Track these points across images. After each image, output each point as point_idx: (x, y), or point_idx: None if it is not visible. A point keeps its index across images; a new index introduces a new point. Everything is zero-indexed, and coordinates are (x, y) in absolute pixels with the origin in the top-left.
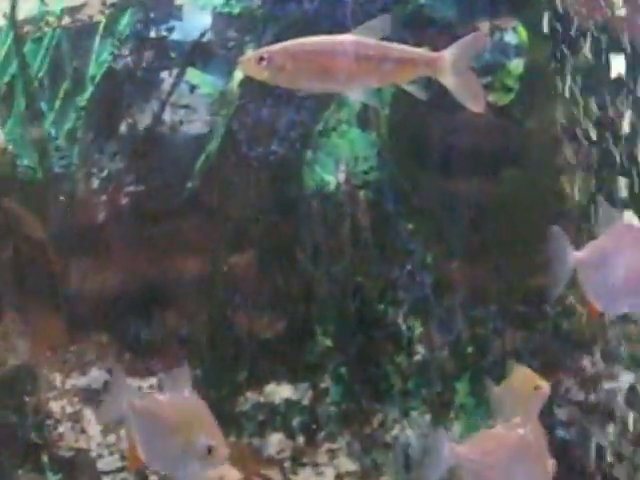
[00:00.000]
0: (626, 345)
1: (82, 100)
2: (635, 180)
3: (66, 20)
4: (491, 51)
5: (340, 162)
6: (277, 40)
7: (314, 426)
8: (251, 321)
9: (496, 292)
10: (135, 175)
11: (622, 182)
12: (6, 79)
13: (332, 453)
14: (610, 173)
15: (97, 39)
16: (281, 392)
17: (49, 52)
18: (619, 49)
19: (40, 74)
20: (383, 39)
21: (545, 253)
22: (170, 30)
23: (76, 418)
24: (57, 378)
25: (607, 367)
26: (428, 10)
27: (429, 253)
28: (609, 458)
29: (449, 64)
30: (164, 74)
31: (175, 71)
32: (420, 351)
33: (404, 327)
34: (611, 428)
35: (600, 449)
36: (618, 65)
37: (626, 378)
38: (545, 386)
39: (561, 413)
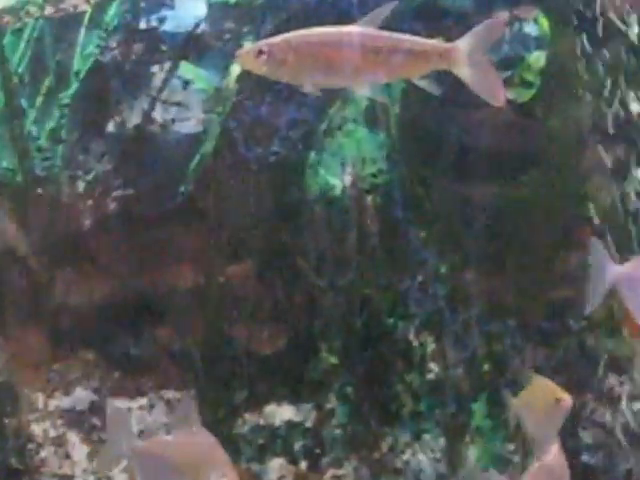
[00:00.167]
0: None
1: (66, 97)
2: None
3: (49, 10)
4: (510, 43)
5: (346, 164)
6: (277, 31)
7: (318, 450)
8: (250, 336)
9: (515, 305)
10: (124, 178)
11: None
12: None
13: None
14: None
15: (82, 30)
16: (282, 413)
17: (30, 45)
18: None
19: (20, 69)
20: (393, 29)
21: (569, 263)
22: (161, 20)
23: (60, 442)
24: (39, 398)
25: (636, 386)
26: None
27: (443, 263)
28: None
29: (464, 55)
30: (155, 68)
31: (167, 65)
32: (433, 369)
33: (416, 343)
34: None
35: (629, 475)
36: None
37: None
38: (567, 399)
39: (586, 436)
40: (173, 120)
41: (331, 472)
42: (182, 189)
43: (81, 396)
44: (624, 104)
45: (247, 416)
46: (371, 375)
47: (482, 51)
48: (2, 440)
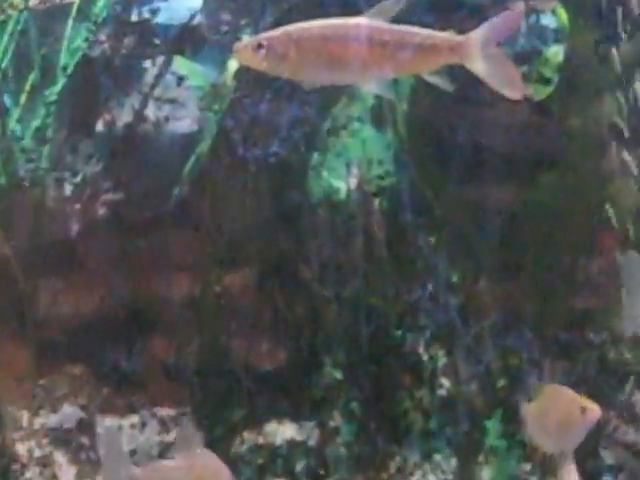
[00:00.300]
0: None
1: (52, 94)
2: None
3: (33, 1)
4: (526, 36)
5: (351, 165)
6: (278, 24)
7: (322, 471)
8: (249, 349)
9: (532, 316)
10: (114, 180)
11: None
12: None
13: None
14: None
15: (70, 23)
16: (283, 432)
17: (14, 38)
18: None
19: (3, 64)
20: (402, 22)
21: (589, 270)
22: (154, 12)
23: (45, 462)
24: (24, 416)
25: None
26: None
27: (455, 271)
28: None
29: (477, 48)
30: (147, 63)
31: (160, 60)
32: (444, 384)
33: (426, 357)
34: None
35: None
36: None
37: None
38: (594, 409)
39: (608, 456)
40: (167, 118)
41: None
42: (176, 192)
43: (68, 413)
44: None
45: (246, 435)
46: (378, 391)
47: (496, 43)
48: None
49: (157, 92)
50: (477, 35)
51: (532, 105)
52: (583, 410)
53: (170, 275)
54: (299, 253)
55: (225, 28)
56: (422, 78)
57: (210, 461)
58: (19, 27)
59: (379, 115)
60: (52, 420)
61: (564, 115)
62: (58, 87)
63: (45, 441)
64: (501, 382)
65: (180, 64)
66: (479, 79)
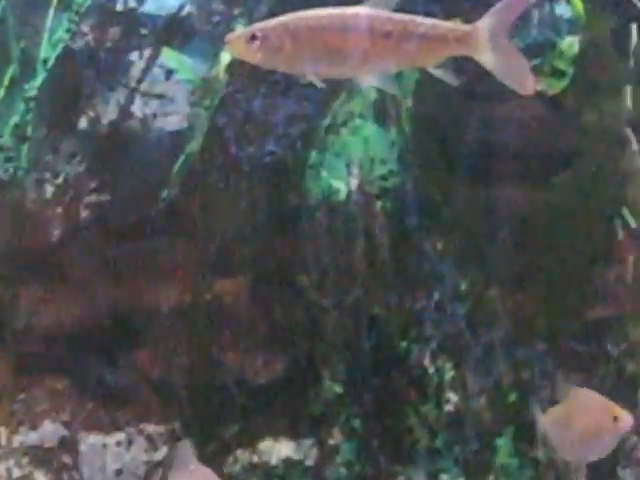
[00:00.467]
0: None
1: (32, 88)
2: None
3: None
4: (539, 27)
5: (352, 165)
6: (273, 14)
7: None
8: (242, 362)
9: (546, 326)
10: (98, 181)
11: None
12: None
13: None
14: None
15: (51, 13)
16: (279, 450)
17: None
18: None
19: None
20: (405, 11)
21: (607, 278)
22: (141, 1)
23: None
24: (2, 433)
25: None
26: None
27: (463, 278)
28: None
29: (485, 38)
30: (133, 56)
31: (147, 52)
32: (452, 399)
33: (432, 370)
34: None
35: None
36: None
37: None
38: (627, 418)
39: (627, 475)
40: (154, 115)
41: None
42: (165, 194)
43: (49, 431)
44: None
45: (239, 453)
46: (381, 406)
47: (505, 32)
48: None
49: (144, 87)
50: (485, 24)
51: (545, 100)
52: (615, 418)
53: (158, 283)
54: (296, 259)
55: (217, 18)
56: (427, 71)
57: (207, 478)
58: None
59: (382, 111)
60: (32, 438)
61: (579, 111)
62: (38, 81)
63: (25, 460)
64: (512, 397)
65: (169, 57)
66: (488, 72)
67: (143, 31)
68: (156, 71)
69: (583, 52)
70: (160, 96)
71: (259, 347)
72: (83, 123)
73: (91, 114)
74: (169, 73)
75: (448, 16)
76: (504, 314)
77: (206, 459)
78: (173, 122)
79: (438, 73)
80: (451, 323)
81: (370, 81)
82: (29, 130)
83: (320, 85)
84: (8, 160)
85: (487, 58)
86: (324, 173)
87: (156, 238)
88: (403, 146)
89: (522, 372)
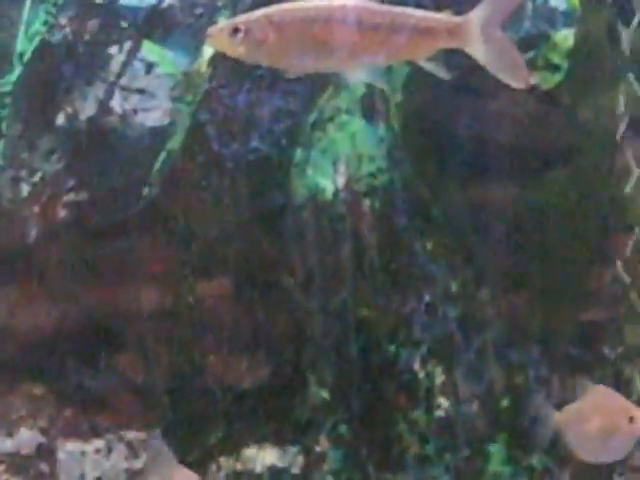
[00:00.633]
0: None
1: (7, 83)
2: None
3: None
4: (533, 19)
5: (339, 162)
6: (257, 5)
7: None
8: (226, 366)
9: (540, 329)
10: (76, 180)
11: None
12: None
13: None
14: None
15: (27, 4)
16: (264, 457)
17: None
18: None
19: None
20: (394, 2)
21: (603, 279)
22: None
23: None
24: None
25: None
26: None
27: (454, 279)
28: None
29: (477, 30)
30: (113, 49)
31: (127, 45)
32: (442, 405)
33: (422, 374)
34: None
35: None
36: None
37: None
38: None
39: None
40: (134, 111)
41: None
42: (145, 193)
43: (26, 438)
44: None
45: (223, 460)
46: (369, 412)
47: (498, 24)
48: None
49: (124, 81)
50: (476, 16)
51: (539, 95)
52: (631, 419)
53: (139, 284)
54: (281, 260)
55: (199, 10)
56: (417, 65)
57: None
58: None
59: (370, 106)
60: (8, 445)
61: (575, 106)
62: (14, 76)
63: (1, 468)
64: (505, 402)
65: (149, 50)
66: (480, 66)
67: (123, 23)
68: (136, 65)
69: (578, 45)
70: (140, 91)
71: (243, 351)
72: (61, 119)
73: (69, 110)
74: (150, 67)
75: (439, 7)
76: (496, 316)
77: (189, 466)
78: (154, 118)
79: (428, 67)
80: (442, 326)
81: (358, 75)
82: (4, 126)
83: (304, 80)
84: None
85: (479, 51)
86: (310, 171)
87: (137, 238)
88: (392, 143)
89: (515, 376)
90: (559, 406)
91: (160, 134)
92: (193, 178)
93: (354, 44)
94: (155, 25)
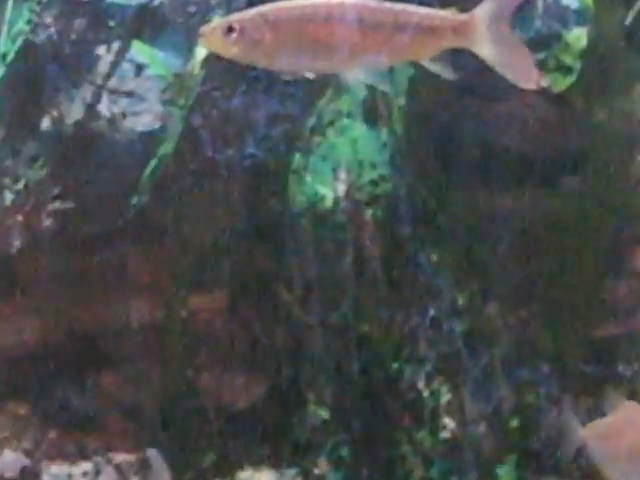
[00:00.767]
0: None
1: None
2: None
3: None
4: (544, 18)
5: (339, 169)
6: (252, 3)
7: None
8: (220, 385)
9: (551, 345)
10: (62, 187)
11: None
12: None
13: None
14: None
15: (10, 3)
16: None
17: None
18: None
19: None
20: (396, 0)
21: (617, 292)
22: None
23: None
24: None
25: None
26: None
27: (460, 293)
28: None
29: (484, 27)
30: (101, 50)
31: (115, 46)
32: (448, 425)
33: (426, 393)
34: None
35: None
36: None
37: None
38: None
39: None
40: (123, 114)
41: None
42: (135, 201)
43: (10, 460)
44: None
45: None
46: (371, 433)
47: (506, 21)
48: None
49: (112, 83)
50: (483, 12)
51: (550, 98)
52: None
53: (128, 298)
54: (278, 272)
55: (192, 8)
56: (421, 66)
57: None
58: None
59: (372, 110)
60: None
61: (588, 110)
62: None
63: None
64: (514, 422)
65: (139, 50)
66: (488, 66)
67: (111, 22)
68: (125, 66)
69: (592, 45)
70: (130, 94)
71: (238, 368)
72: (46, 123)
73: (54, 113)
74: (139, 68)
75: (443, 5)
76: (505, 331)
77: None
78: (144, 122)
79: (433, 67)
80: (447, 341)
81: (359, 77)
82: None
83: (303, 81)
84: None
85: (486, 50)
86: (309, 178)
87: (125, 249)
88: (395, 148)
89: (525, 395)
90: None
91: (150, 139)
92: (185, 186)
93: (354, 44)
94: (145, 24)
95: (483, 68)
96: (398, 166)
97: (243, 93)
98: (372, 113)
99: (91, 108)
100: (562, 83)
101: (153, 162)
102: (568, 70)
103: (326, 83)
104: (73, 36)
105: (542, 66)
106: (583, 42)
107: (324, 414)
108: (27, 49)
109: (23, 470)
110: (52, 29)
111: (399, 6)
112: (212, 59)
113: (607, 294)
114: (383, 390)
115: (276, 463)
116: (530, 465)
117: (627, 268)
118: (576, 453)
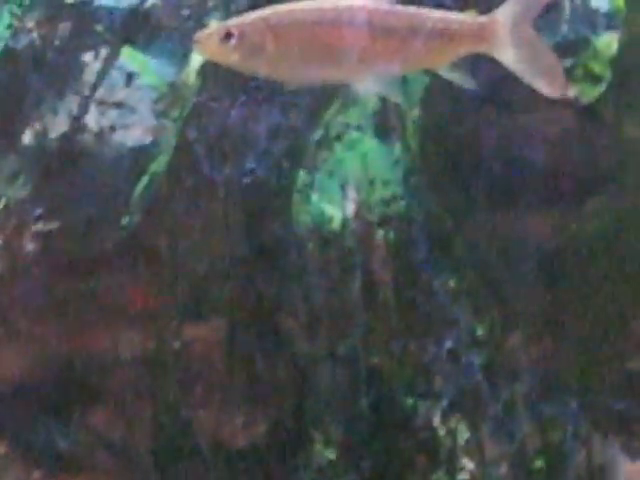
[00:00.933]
0: None
1: None
2: None
3: None
4: (570, 22)
5: (348, 187)
6: (253, 6)
7: None
8: (218, 423)
9: (578, 380)
10: (46, 207)
11: None
12: None
13: None
14: None
15: None
16: None
17: None
18: None
19: None
20: (410, 2)
21: None
22: None
23: None
24: None
25: None
26: None
27: (480, 322)
28: None
29: (506, 31)
30: (87, 57)
31: (104, 52)
32: (467, 466)
33: (443, 431)
34: None
35: None
36: None
37: None
38: None
39: None
40: (112, 128)
41: None
42: (125, 222)
43: None
44: None
45: None
46: (382, 475)
47: (529, 23)
48: None
49: (100, 94)
50: (504, 14)
51: (578, 110)
52: None
53: (118, 328)
54: (282, 299)
55: (187, 11)
56: (437, 74)
57: None
58: None
59: (383, 123)
60: None
61: (618, 122)
62: None
63: None
64: (539, 463)
65: (130, 58)
66: (510, 73)
67: (99, 27)
68: (114, 75)
69: (623, 52)
70: (119, 105)
71: (237, 404)
72: (27, 137)
73: (37, 126)
74: (130, 77)
75: (461, 7)
76: (529, 365)
77: None
78: (135, 136)
79: (451, 76)
80: (466, 375)
81: (369, 87)
82: None
83: (307, 92)
84: None
85: (508, 55)
86: (314, 197)
87: (115, 274)
88: (409, 164)
89: (550, 433)
90: (601, 468)
91: (142, 155)
92: (180, 205)
93: (364, 51)
94: (136, 29)
95: (505, 76)
96: (412, 184)
97: (242, 104)
98: (384, 126)
99: (77, 121)
100: (590, 93)
101: (145, 180)
102: (597, 79)
103: (333, 93)
104: (57, 42)
105: (568, 75)
106: (614, 48)
107: (331, 454)
108: (7, 56)
109: None
110: (34, 34)
111: (412, 9)
112: (209, 67)
113: (638, 324)
114: (395, 428)
115: None
116: None
117: None
118: None
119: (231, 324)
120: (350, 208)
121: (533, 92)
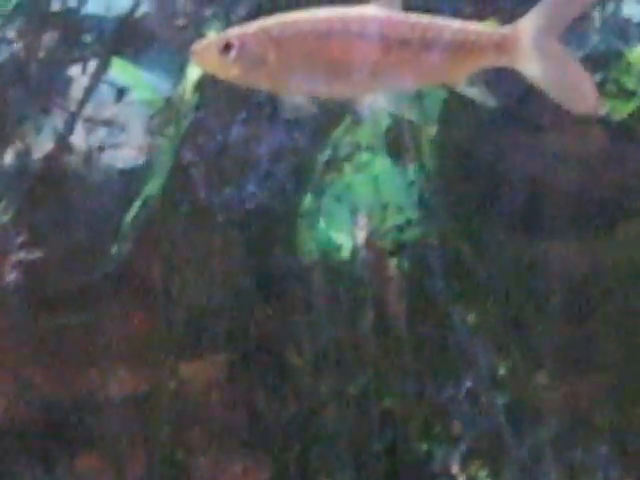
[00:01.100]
0: None
1: None
2: None
3: None
4: (601, 32)
5: (358, 212)
6: (254, 16)
7: None
8: (217, 469)
9: (610, 422)
10: (29, 234)
11: None
12: None
13: None
14: None
15: None
16: None
17: None
18: None
19: None
20: (425, 10)
21: None
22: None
23: None
24: None
25: None
26: None
27: (502, 359)
28: None
29: (530, 42)
30: (74, 70)
31: (92, 65)
32: None
33: (462, 479)
34: None
35: None
36: None
37: None
38: None
39: None
40: (101, 147)
41: None
42: (115, 251)
43: None
44: None
45: None
46: None
47: (556, 34)
48: None
49: (88, 110)
50: (528, 24)
51: (609, 127)
52: None
53: (107, 366)
54: (286, 335)
55: (182, 21)
56: (455, 90)
57: None
58: None
59: (396, 142)
60: None
61: None
62: None
63: None
64: None
65: (120, 71)
66: (535, 89)
67: (87, 38)
68: (104, 90)
69: None
70: (109, 123)
71: (238, 449)
72: (9, 157)
73: (19, 146)
74: (121, 92)
75: (481, 16)
76: (555, 406)
77: None
78: (126, 156)
79: (469, 92)
80: (486, 418)
81: (381, 103)
82: None
83: (313, 109)
84: None
85: (533, 69)
86: (322, 223)
87: (104, 307)
88: (424, 187)
89: (580, 479)
90: None
91: (134, 177)
92: (175, 232)
93: (375, 64)
94: (127, 39)
95: (529, 91)
96: (428, 209)
97: (243, 122)
98: (397, 146)
99: (63, 139)
100: (623, 110)
101: (136, 204)
102: (630, 95)
103: (342, 110)
104: (42, 54)
105: (599, 90)
106: None
107: None
108: None
109: None
110: (17, 45)
111: (428, 19)
112: (207, 81)
113: None
114: (410, 475)
115: None
116: None
117: None
118: None
119: (231, 362)
120: (360, 235)
121: (560, 109)
